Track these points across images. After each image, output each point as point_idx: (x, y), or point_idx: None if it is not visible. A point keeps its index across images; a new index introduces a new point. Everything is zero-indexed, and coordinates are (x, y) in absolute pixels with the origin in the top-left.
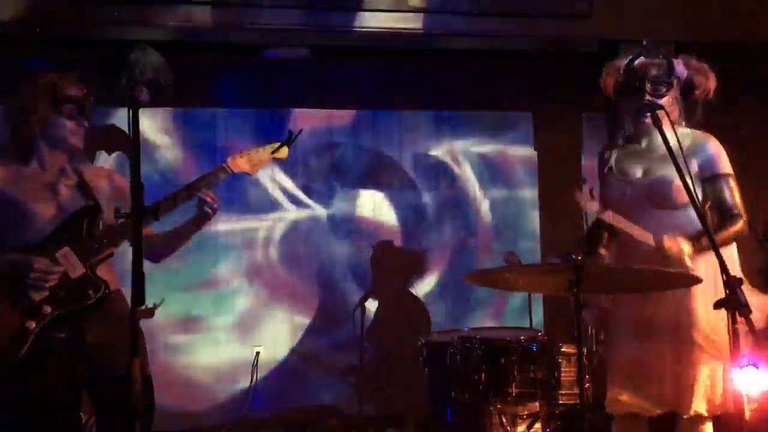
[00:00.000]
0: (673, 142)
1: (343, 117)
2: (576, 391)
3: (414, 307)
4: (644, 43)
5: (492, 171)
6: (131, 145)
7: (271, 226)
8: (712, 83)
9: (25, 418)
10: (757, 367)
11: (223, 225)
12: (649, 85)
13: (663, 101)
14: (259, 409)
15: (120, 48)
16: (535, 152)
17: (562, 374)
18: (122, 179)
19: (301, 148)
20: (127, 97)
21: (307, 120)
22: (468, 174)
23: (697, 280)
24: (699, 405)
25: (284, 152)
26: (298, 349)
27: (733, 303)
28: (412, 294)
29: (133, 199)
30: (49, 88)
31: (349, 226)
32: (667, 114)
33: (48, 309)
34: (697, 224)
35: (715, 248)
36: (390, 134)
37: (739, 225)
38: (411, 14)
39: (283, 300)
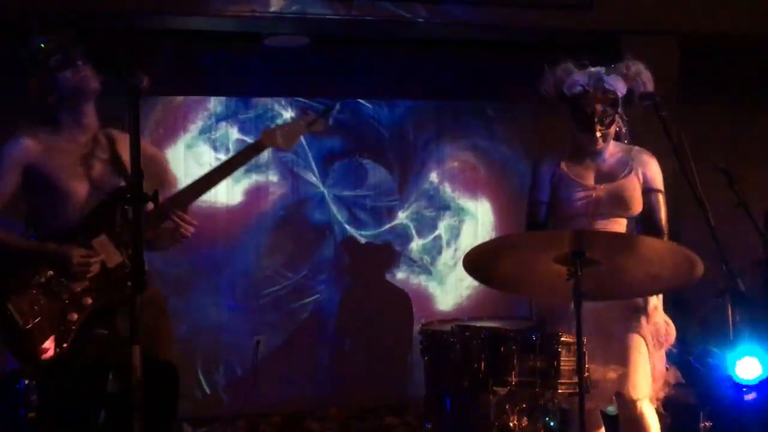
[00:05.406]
0: (620, 154)
1: None
2: (575, 380)
3: (414, 297)
4: (582, 73)
5: (491, 162)
6: (131, 132)
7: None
8: (649, 86)
9: (57, 413)
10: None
11: None
12: (598, 126)
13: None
14: (258, 398)
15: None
16: (536, 143)
17: (562, 363)
18: (152, 147)
19: None
20: (127, 84)
21: None
22: (468, 165)
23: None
24: (638, 391)
25: (320, 125)
26: (296, 338)
27: (732, 291)
28: (411, 286)
29: (132, 188)
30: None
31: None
32: (619, 130)
33: (89, 300)
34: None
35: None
36: (392, 123)
37: None
38: (412, 3)
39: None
